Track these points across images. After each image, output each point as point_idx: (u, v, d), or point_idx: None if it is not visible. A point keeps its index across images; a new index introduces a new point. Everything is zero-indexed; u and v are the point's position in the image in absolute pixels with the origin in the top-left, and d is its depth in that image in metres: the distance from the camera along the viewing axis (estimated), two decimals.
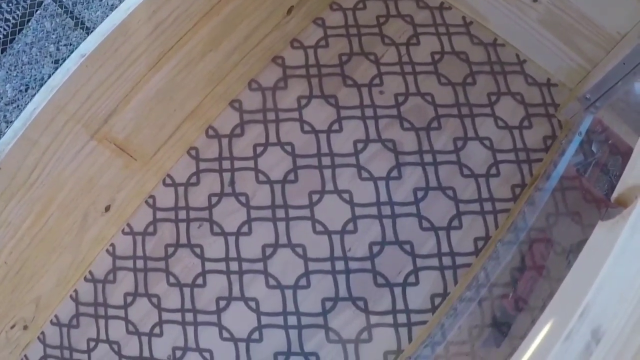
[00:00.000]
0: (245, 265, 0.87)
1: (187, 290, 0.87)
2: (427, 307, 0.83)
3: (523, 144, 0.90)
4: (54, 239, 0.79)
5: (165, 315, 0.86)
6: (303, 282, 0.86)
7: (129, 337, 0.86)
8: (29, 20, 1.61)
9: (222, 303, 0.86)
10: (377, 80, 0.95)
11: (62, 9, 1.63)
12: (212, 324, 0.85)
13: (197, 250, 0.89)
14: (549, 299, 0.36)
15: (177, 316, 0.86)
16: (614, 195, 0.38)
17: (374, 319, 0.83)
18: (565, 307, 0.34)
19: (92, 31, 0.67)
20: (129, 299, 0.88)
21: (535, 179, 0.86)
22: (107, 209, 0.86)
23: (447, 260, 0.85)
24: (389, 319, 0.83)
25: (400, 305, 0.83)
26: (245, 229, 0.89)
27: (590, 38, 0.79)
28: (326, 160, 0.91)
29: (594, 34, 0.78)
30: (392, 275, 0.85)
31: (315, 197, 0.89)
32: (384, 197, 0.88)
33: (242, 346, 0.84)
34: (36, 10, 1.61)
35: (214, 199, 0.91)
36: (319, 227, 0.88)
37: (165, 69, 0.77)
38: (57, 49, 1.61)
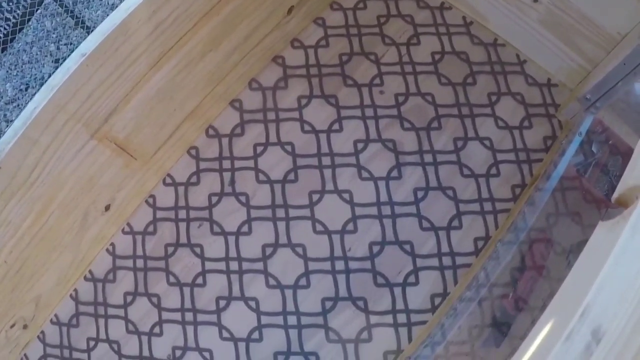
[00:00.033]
0: (245, 265, 0.87)
1: (187, 290, 0.87)
2: (427, 307, 0.83)
3: (523, 144, 0.90)
4: (54, 238, 0.79)
5: (165, 315, 0.86)
6: (303, 281, 0.86)
7: (129, 336, 0.86)
8: (29, 20, 1.61)
9: (222, 303, 0.86)
10: (377, 80, 0.95)
11: (62, 8, 1.63)
12: (212, 324, 0.85)
13: (197, 249, 0.89)
14: (549, 299, 0.36)
15: (177, 316, 0.86)
16: (615, 195, 0.38)
17: (373, 319, 0.83)
18: (565, 307, 0.34)
19: (92, 30, 0.67)
20: (129, 298, 0.88)
21: (535, 179, 0.86)
22: (107, 208, 0.86)
23: (447, 260, 0.85)
24: (388, 318, 0.83)
25: (400, 305, 0.83)
26: (245, 228, 0.89)
27: (590, 38, 0.79)
28: (326, 160, 0.91)
29: (595, 35, 0.78)
30: (392, 275, 0.85)
31: (315, 197, 0.89)
32: (384, 197, 0.88)
33: (241, 346, 0.84)
34: (37, 10, 1.61)
35: (214, 199, 0.91)
36: (319, 227, 0.88)
37: (165, 68, 0.77)
38: (58, 48, 1.61)
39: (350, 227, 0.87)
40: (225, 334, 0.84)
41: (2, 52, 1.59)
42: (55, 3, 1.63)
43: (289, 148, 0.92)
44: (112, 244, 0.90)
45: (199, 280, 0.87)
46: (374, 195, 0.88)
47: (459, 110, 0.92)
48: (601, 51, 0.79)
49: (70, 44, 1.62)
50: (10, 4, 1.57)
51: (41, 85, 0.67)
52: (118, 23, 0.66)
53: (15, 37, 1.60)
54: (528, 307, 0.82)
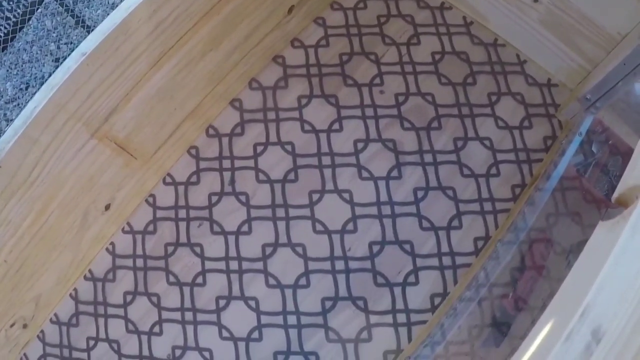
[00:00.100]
0: (245, 265, 0.87)
1: (186, 289, 0.87)
2: (426, 307, 0.83)
3: (523, 144, 0.90)
4: (54, 238, 0.79)
5: (165, 314, 0.86)
6: (303, 281, 0.86)
7: (129, 336, 0.86)
8: (29, 19, 1.61)
9: (222, 302, 0.86)
10: (377, 80, 0.95)
11: (62, 7, 1.63)
12: (212, 323, 0.85)
13: (197, 249, 0.89)
14: (549, 299, 0.36)
15: (177, 315, 0.86)
16: (615, 195, 0.38)
17: (373, 319, 0.83)
18: (565, 307, 0.34)
19: (92, 30, 0.67)
20: (129, 297, 0.88)
21: (535, 179, 0.86)
22: (107, 207, 0.86)
23: (447, 260, 0.85)
24: (388, 318, 0.83)
25: (400, 305, 0.84)
26: (245, 228, 0.89)
27: (590, 38, 0.79)
28: (326, 160, 0.91)
29: (595, 35, 0.78)
30: (392, 275, 0.85)
31: (315, 197, 0.89)
32: (384, 197, 0.88)
33: (241, 345, 0.84)
34: (37, 9, 1.61)
35: (214, 198, 0.91)
36: (319, 227, 0.88)
37: (165, 68, 0.77)
38: (58, 48, 1.61)
39: (350, 226, 0.87)
40: (225, 334, 0.84)
41: (3, 51, 1.59)
42: (55, 2, 1.63)
43: (289, 148, 0.92)
44: (112, 244, 0.90)
45: (199, 280, 0.87)
46: (374, 195, 0.88)
47: (459, 110, 0.92)
48: (601, 51, 0.79)
49: (71, 43, 1.62)
50: (11, 3, 1.57)
51: (41, 84, 0.67)
52: (118, 22, 0.66)
53: (15, 36, 1.60)
54: (528, 307, 0.82)
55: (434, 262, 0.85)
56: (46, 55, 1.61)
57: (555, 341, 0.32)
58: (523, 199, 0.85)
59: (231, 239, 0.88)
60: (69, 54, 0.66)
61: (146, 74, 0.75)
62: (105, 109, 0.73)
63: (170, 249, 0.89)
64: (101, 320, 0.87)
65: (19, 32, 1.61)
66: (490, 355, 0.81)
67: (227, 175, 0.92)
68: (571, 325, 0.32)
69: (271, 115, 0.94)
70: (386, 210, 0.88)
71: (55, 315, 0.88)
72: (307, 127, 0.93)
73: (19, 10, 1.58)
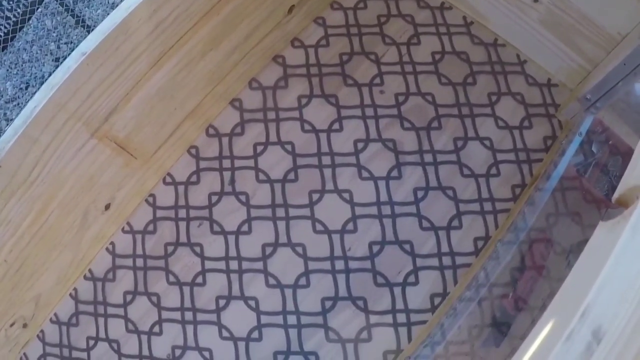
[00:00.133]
0: (245, 264, 0.87)
1: (186, 289, 0.87)
2: (426, 307, 0.83)
3: (523, 144, 0.90)
4: (54, 237, 0.79)
5: (165, 314, 0.86)
6: (303, 281, 0.86)
7: (129, 335, 0.86)
8: (29, 18, 1.61)
9: (222, 302, 0.86)
10: (377, 80, 0.95)
11: (63, 7, 1.63)
12: (212, 323, 0.85)
13: (197, 249, 0.89)
14: (549, 299, 0.36)
15: (177, 315, 0.86)
16: (615, 195, 0.38)
17: (373, 319, 0.83)
18: (566, 307, 0.34)
19: (92, 29, 0.67)
20: (129, 297, 0.88)
21: (535, 179, 0.86)
22: (107, 207, 0.86)
23: (447, 260, 0.85)
24: (388, 318, 0.83)
25: (399, 304, 0.84)
26: (245, 228, 0.89)
27: (590, 38, 0.79)
28: (326, 160, 0.91)
29: (595, 35, 0.78)
30: (391, 275, 0.85)
31: (315, 197, 0.89)
32: (384, 197, 0.88)
33: (241, 345, 0.84)
34: (37, 8, 1.61)
35: (214, 198, 0.91)
36: (319, 227, 0.88)
37: (165, 67, 0.77)
38: (58, 47, 1.61)
39: (350, 226, 0.87)
40: (225, 334, 0.84)
41: (3, 50, 1.59)
42: (55, 2, 1.63)
43: (289, 147, 0.92)
44: (112, 243, 0.90)
45: (199, 280, 0.87)
46: (374, 195, 0.88)
47: (459, 110, 0.92)
48: (601, 51, 0.79)
49: (71, 42, 1.62)
50: (11, 2, 1.57)
51: (41, 84, 0.67)
52: (118, 22, 0.66)
53: (15, 36, 1.60)
54: (528, 307, 0.82)
55: (434, 262, 0.85)
56: (46, 54, 1.61)
57: (556, 341, 0.32)
58: (523, 199, 0.85)
59: (231, 238, 0.88)
60: (69, 54, 0.66)
61: (146, 74, 0.75)
62: (106, 108, 0.73)
63: (170, 248, 0.89)
64: (101, 320, 0.87)
65: (19, 31, 1.61)
66: (490, 355, 0.81)
67: (227, 175, 0.92)
68: (572, 326, 0.32)
69: (271, 115, 0.94)
70: (386, 210, 0.88)
71: (55, 314, 0.88)
72: (307, 127, 0.93)
73: (19, 10, 1.58)
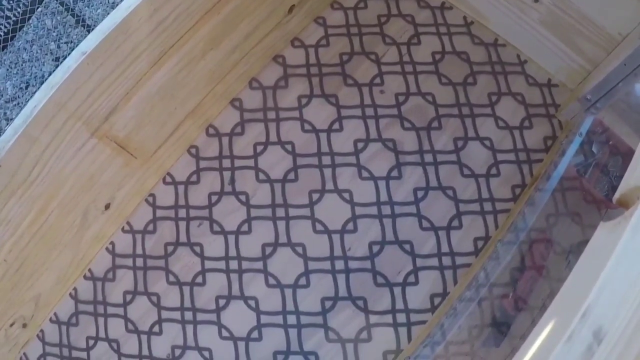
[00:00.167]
0: (245, 264, 0.87)
1: (186, 289, 0.87)
2: (426, 307, 0.83)
3: (523, 145, 0.90)
4: (54, 237, 0.79)
5: (165, 314, 0.86)
6: (303, 281, 0.85)
7: (129, 335, 0.86)
8: (29, 18, 1.61)
9: (222, 302, 0.86)
10: (377, 80, 0.94)
11: (63, 6, 1.63)
12: (212, 323, 0.85)
13: (197, 248, 0.88)
14: (549, 299, 0.36)
15: (177, 315, 0.86)
16: (616, 196, 0.38)
17: (373, 319, 0.83)
18: (566, 308, 0.34)
19: (93, 29, 0.67)
20: (129, 297, 0.88)
21: (535, 180, 0.86)
22: (107, 207, 0.86)
23: (446, 260, 0.85)
24: (388, 318, 0.83)
25: (399, 305, 0.83)
26: (245, 227, 0.89)
27: (591, 39, 0.79)
28: (326, 160, 0.91)
29: (595, 35, 0.78)
30: (391, 275, 0.85)
31: (315, 197, 0.89)
32: (384, 197, 0.88)
33: (241, 345, 0.84)
34: (37, 8, 1.61)
35: (214, 198, 0.91)
36: (319, 227, 0.88)
37: (166, 67, 0.77)
38: (58, 47, 1.61)
39: (350, 226, 0.87)
40: (225, 333, 0.84)
41: (3, 50, 1.59)
42: (55, 1, 1.63)
43: (289, 147, 0.92)
44: (112, 243, 0.90)
45: (199, 279, 0.87)
46: (374, 195, 0.88)
47: (459, 110, 0.92)
48: (602, 52, 0.79)
49: (71, 42, 1.62)
50: (11, 2, 1.57)
51: (41, 83, 0.67)
52: (119, 22, 0.66)
53: (15, 35, 1.59)
54: (528, 307, 0.82)
55: (434, 262, 0.85)
56: (46, 54, 1.61)
57: (557, 342, 0.32)
58: (523, 199, 0.85)
59: (231, 238, 0.88)
60: (69, 53, 0.65)
61: (146, 73, 0.75)
62: (106, 108, 0.73)
63: (170, 248, 0.89)
64: (101, 320, 0.87)
65: (19, 31, 1.61)
66: (490, 355, 0.81)
67: (227, 174, 0.92)
68: (572, 326, 0.32)
69: (271, 114, 0.94)
70: (386, 210, 0.88)
71: (55, 314, 0.88)
72: (307, 126, 0.93)
73: (19, 10, 1.58)
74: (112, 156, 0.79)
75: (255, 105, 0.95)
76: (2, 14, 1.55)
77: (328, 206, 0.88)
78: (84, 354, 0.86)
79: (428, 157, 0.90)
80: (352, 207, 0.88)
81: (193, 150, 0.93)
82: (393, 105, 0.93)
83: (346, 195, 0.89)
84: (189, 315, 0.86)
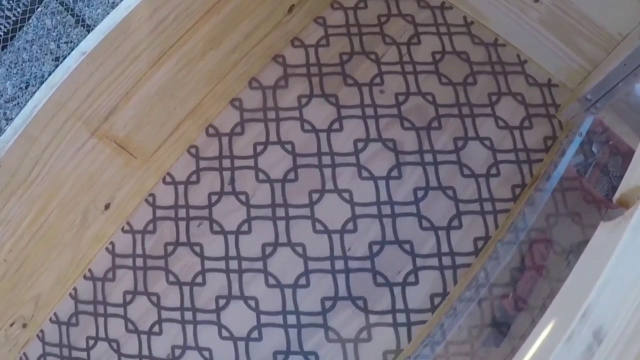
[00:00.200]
0: (245, 264, 0.87)
1: (186, 289, 0.87)
2: (426, 307, 0.83)
3: (523, 144, 0.90)
4: (54, 237, 0.79)
5: (165, 314, 0.86)
6: (303, 281, 0.85)
7: (128, 335, 0.86)
8: (29, 18, 1.61)
9: (222, 302, 0.86)
10: (377, 80, 0.94)
11: (62, 6, 1.63)
12: (212, 323, 0.85)
13: (197, 248, 0.88)
14: (549, 299, 0.36)
15: (177, 315, 0.86)
16: (616, 195, 0.38)
17: (373, 319, 0.83)
18: (566, 308, 0.34)
19: (92, 29, 0.67)
20: (129, 297, 0.88)
21: (535, 180, 0.86)
22: (107, 207, 0.86)
23: (446, 260, 0.85)
24: (388, 318, 0.83)
25: (399, 304, 0.83)
26: (245, 227, 0.89)
27: (591, 39, 0.79)
28: (326, 160, 0.91)
29: (595, 35, 0.78)
30: (391, 275, 0.85)
31: (315, 196, 0.89)
32: (384, 197, 0.88)
33: (241, 345, 0.84)
34: (37, 8, 1.61)
35: (214, 198, 0.91)
36: (318, 226, 0.88)
37: (166, 67, 0.77)
38: (58, 47, 1.61)
39: (350, 226, 0.87)
40: (225, 333, 0.84)
41: (2, 50, 1.59)
42: (55, 1, 1.63)
43: (289, 147, 0.92)
44: (112, 243, 0.90)
45: (199, 279, 0.87)
46: (373, 195, 0.88)
47: (459, 110, 0.92)
48: (602, 51, 0.79)
49: (71, 42, 1.61)
50: (11, 1, 1.57)
51: (41, 83, 0.67)
52: (118, 21, 0.65)
53: (15, 35, 1.59)
54: (528, 307, 0.82)
55: (434, 262, 0.85)
56: (46, 54, 1.61)
57: (557, 342, 0.32)
58: (523, 199, 0.85)
59: (231, 238, 0.88)
60: (69, 53, 0.65)
61: (146, 73, 0.75)
62: (105, 108, 0.73)
63: (170, 248, 0.89)
64: (101, 320, 0.87)
65: (19, 31, 1.61)
66: (490, 355, 0.81)
67: (227, 174, 0.92)
68: (572, 326, 0.32)
69: (271, 114, 0.94)
70: (386, 210, 0.88)
71: (55, 314, 0.88)
72: (307, 126, 0.93)
73: (18, 9, 1.58)
74: (111, 156, 0.79)
75: (255, 105, 0.95)
76: (2, 13, 1.55)
77: (328, 206, 0.88)
78: (84, 354, 0.86)
79: (428, 157, 0.90)
80: (352, 207, 0.88)
81: (193, 150, 0.93)
82: (393, 105, 0.93)
83: (346, 195, 0.89)
84: (189, 315, 0.86)
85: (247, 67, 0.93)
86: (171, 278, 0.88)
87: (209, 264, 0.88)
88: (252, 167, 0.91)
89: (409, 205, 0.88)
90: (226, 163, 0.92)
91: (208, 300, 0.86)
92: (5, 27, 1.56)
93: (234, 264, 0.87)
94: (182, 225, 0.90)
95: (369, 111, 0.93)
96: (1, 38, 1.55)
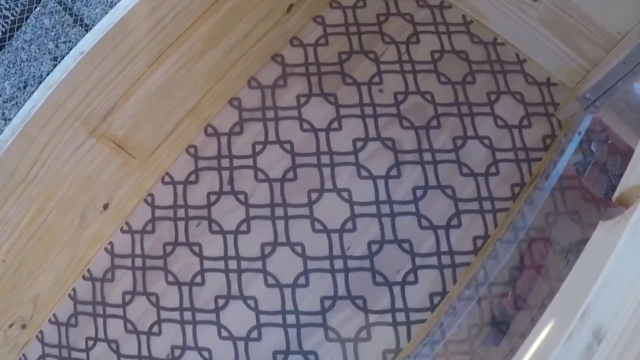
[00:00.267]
0: (244, 264, 0.87)
1: (185, 289, 0.87)
2: (426, 306, 0.83)
3: (522, 143, 0.89)
4: (52, 237, 0.79)
5: (164, 314, 0.86)
6: (302, 280, 0.85)
7: (128, 335, 0.86)
8: (27, 17, 1.60)
9: (221, 302, 0.86)
10: (376, 79, 0.94)
11: (61, 5, 1.62)
12: (211, 323, 0.85)
13: (196, 248, 0.88)
14: (548, 298, 0.36)
15: (176, 315, 0.86)
16: (615, 194, 0.38)
17: (372, 318, 0.83)
18: (566, 307, 0.34)
19: (91, 28, 0.66)
20: (128, 297, 0.87)
21: (534, 178, 0.86)
22: (106, 207, 0.85)
23: (446, 259, 0.85)
24: (387, 317, 0.83)
25: (399, 304, 0.83)
26: (244, 227, 0.89)
27: (590, 38, 0.79)
28: (325, 159, 0.91)
29: (594, 34, 0.78)
30: (391, 274, 0.85)
31: (314, 196, 0.89)
32: (383, 196, 0.88)
33: (240, 345, 0.83)
34: (35, 7, 1.61)
35: (213, 197, 0.91)
36: (318, 226, 0.87)
37: (164, 66, 0.76)
38: (56, 46, 1.61)
39: (349, 225, 0.87)
40: (224, 333, 0.84)
41: (1, 50, 1.58)
42: (54, 1, 1.63)
43: (287, 147, 0.92)
44: (111, 243, 0.90)
45: (198, 279, 0.87)
46: (372, 194, 0.88)
47: (458, 109, 0.92)
48: (601, 50, 0.79)
49: (69, 42, 1.61)
50: (9, 1, 1.57)
51: (40, 83, 0.67)
52: (117, 21, 0.65)
53: (13, 35, 1.59)
54: (527, 306, 0.82)
55: (433, 261, 0.85)
56: (44, 54, 1.61)
57: (556, 342, 0.32)
58: (522, 198, 0.85)
59: (230, 238, 0.88)
60: (67, 53, 0.65)
61: (145, 73, 0.74)
62: (104, 107, 0.73)
63: (169, 248, 0.89)
64: (100, 320, 0.87)
65: (17, 30, 1.60)
66: (489, 354, 0.81)
67: (225, 174, 0.92)
68: (572, 326, 0.32)
69: (270, 114, 0.94)
70: (385, 209, 0.88)
71: (54, 315, 0.88)
72: (306, 126, 0.93)
73: (17, 9, 1.57)
74: (110, 156, 0.79)
75: (254, 104, 0.95)
76: (0, 13, 1.55)
77: (327, 205, 0.88)
78: (83, 355, 0.86)
79: (427, 156, 0.90)
80: (351, 206, 0.88)
81: (192, 150, 0.93)
82: (392, 104, 0.93)
83: (345, 195, 0.89)
84: (188, 315, 0.86)
85: (246, 67, 0.93)
86: (170, 278, 0.87)
87: (208, 264, 0.87)
88: (251, 166, 0.91)
89: (408, 204, 0.88)
90: (225, 163, 0.92)
91: (207, 300, 0.86)
92: (3, 26, 1.56)
93: (233, 264, 0.87)
94: (181, 225, 0.90)
95: (368, 110, 0.93)
96: None
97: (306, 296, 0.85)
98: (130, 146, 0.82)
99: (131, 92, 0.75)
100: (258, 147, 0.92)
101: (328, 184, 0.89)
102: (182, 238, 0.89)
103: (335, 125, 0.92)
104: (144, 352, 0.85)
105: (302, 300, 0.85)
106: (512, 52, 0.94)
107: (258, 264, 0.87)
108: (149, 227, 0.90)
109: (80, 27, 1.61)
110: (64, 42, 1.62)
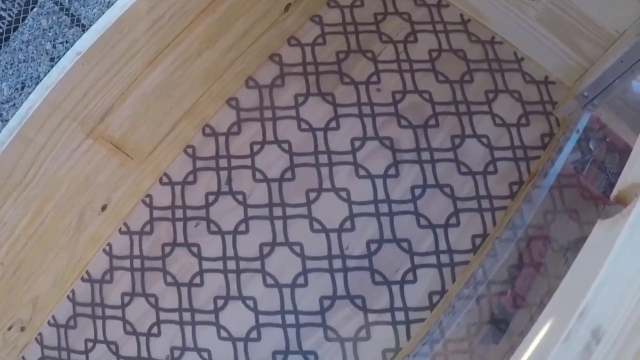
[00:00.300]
0: (243, 264, 0.87)
1: (184, 290, 0.87)
2: (425, 305, 0.83)
3: (521, 142, 0.89)
4: (51, 239, 0.79)
5: (163, 315, 0.86)
6: (301, 280, 0.85)
7: (127, 337, 0.86)
8: (25, 18, 1.60)
9: (220, 302, 0.85)
10: (374, 78, 0.94)
11: (58, 6, 1.62)
12: (210, 324, 0.85)
13: (194, 249, 0.88)
14: (547, 296, 0.36)
15: (175, 316, 0.86)
16: (614, 193, 0.38)
17: (372, 317, 0.83)
18: (564, 307, 0.34)
19: (88, 29, 0.66)
20: (127, 299, 0.87)
21: (532, 177, 0.86)
22: (104, 208, 0.85)
23: (445, 258, 0.85)
24: (387, 317, 0.83)
25: (398, 303, 0.83)
26: (242, 227, 0.88)
27: (588, 36, 0.79)
28: (323, 158, 0.91)
29: (592, 32, 0.78)
30: (390, 273, 0.85)
31: (312, 195, 0.89)
32: (381, 195, 0.88)
33: (240, 345, 0.83)
34: (32, 8, 1.61)
35: (211, 198, 0.90)
36: (316, 226, 0.87)
37: (161, 66, 0.76)
38: (54, 47, 1.61)
39: (347, 225, 0.87)
40: (224, 334, 0.84)
41: None
42: (51, 1, 1.62)
43: (285, 146, 0.92)
44: (109, 244, 0.90)
45: (197, 280, 0.87)
46: (371, 193, 0.88)
47: (456, 108, 0.92)
48: (599, 49, 0.79)
49: (67, 42, 1.61)
50: (6, 2, 1.56)
51: (37, 84, 0.67)
52: (114, 21, 0.65)
53: (10, 36, 1.59)
54: (526, 304, 0.82)
55: (432, 260, 0.85)
56: (42, 54, 1.60)
57: (555, 341, 0.32)
58: (520, 197, 0.85)
59: (228, 238, 0.88)
60: (64, 53, 0.65)
61: (142, 73, 0.74)
62: (101, 108, 0.72)
63: (168, 249, 0.89)
64: (99, 322, 0.87)
65: (15, 31, 1.60)
66: (488, 352, 0.81)
67: (223, 174, 0.91)
68: (570, 325, 0.32)
69: (268, 113, 0.94)
70: (383, 208, 0.88)
71: (53, 317, 0.88)
72: (304, 125, 0.93)
73: (14, 10, 1.57)
74: (107, 157, 0.79)
75: (252, 104, 0.95)
76: None
77: (325, 205, 0.88)
78: (82, 357, 0.86)
79: (425, 155, 0.90)
80: (349, 206, 0.88)
81: (189, 150, 0.93)
82: (390, 103, 0.93)
83: (343, 194, 0.89)
84: (187, 316, 0.85)
85: (244, 66, 0.93)
86: (169, 279, 0.87)
87: (206, 265, 0.87)
88: (249, 166, 0.91)
89: (407, 203, 0.88)
90: (223, 163, 0.92)
91: (206, 300, 0.86)
92: (0, 27, 1.55)
93: (231, 264, 0.87)
94: (179, 225, 0.90)
95: (366, 109, 0.93)
96: None
97: (305, 296, 0.85)
98: (128, 147, 0.81)
99: (128, 93, 0.75)
100: (256, 147, 0.92)
101: (326, 184, 0.89)
102: (180, 239, 0.89)
103: (333, 124, 0.92)
104: (144, 354, 0.85)
105: (301, 300, 0.85)
106: (510, 50, 0.94)
107: (257, 264, 0.87)
108: (147, 228, 0.90)
109: (78, 28, 1.61)
110: (62, 43, 1.61)
